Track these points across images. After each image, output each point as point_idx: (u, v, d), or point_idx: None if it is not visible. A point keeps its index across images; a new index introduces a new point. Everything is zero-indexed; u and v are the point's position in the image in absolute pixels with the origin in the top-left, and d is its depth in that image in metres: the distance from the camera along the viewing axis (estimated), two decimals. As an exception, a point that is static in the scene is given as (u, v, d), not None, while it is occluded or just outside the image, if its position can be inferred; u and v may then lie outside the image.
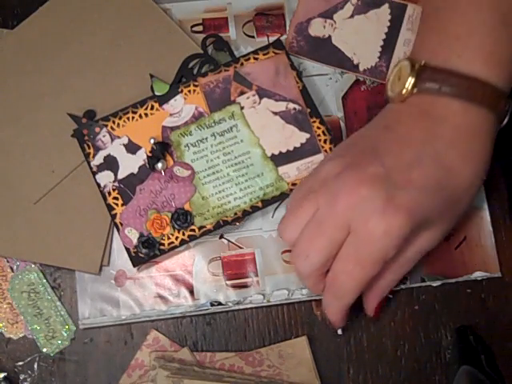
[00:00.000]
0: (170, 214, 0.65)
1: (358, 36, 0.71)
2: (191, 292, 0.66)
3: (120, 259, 0.66)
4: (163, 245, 0.65)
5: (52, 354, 0.65)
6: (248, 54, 0.69)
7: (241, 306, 0.66)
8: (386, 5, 0.72)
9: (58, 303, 0.66)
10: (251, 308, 0.67)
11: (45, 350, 0.65)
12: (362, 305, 0.62)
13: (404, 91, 0.58)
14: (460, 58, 0.58)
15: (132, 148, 0.66)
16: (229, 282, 0.66)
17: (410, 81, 0.58)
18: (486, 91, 0.57)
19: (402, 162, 0.56)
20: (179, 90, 0.67)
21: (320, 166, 0.60)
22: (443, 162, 0.56)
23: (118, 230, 0.65)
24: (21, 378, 0.65)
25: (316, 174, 0.59)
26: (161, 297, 0.66)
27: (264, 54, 0.69)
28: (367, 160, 0.56)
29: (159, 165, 0.65)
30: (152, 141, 0.65)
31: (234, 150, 0.66)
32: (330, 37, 0.71)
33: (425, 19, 0.63)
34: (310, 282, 0.60)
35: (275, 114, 0.67)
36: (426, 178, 0.56)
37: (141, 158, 0.66)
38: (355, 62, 0.71)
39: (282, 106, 0.68)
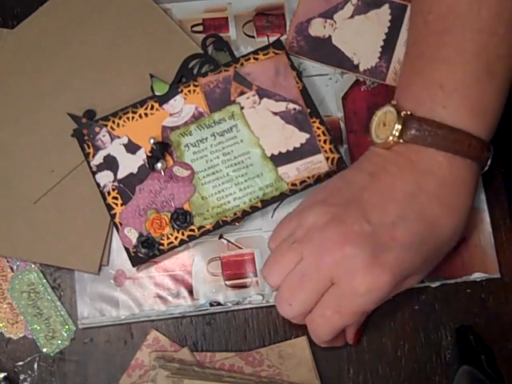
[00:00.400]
0: (169, 214, 0.65)
1: (358, 36, 0.71)
2: (190, 292, 0.66)
3: (119, 259, 0.66)
4: (162, 245, 0.65)
5: (52, 354, 0.65)
6: (248, 54, 0.69)
7: (240, 307, 0.66)
8: (387, 5, 0.72)
9: (58, 303, 0.66)
10: (251, 308, 0.67)
11: (45, 350, 0.65)
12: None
13: (390, 138, 0.58)
14: (445, 110, 0.57)
15: (132, 148, 0.66)
16: (228, 282, 0.66)
17: (397, 128, 0.57)
18: (472, 143, 0.57)
19: (386, 218, 0.56)
20: (179, 89, 0.67)
21: (305, 210, 0.59)
22: (427, 217, 0.57)
23: (118, 229, 0.65)
24: (21, 378, 0.65)
25: (301, 218, 0.59)
26: (160, 297, 0.66)
27: (264, 54, 0.69)
28: (352, 216, 0.56)
29: (159, 165, 0.65)
30: (152, 141, 0.65)
31: (233, 150, 0.66)
32: (330, 37, 0.71)
33: (408, 62, 0.62)
34: (294, 321, 0.60)
35: (275, 114, 0.67)
36: (411, 235, 0.56)
37: (140, 157, 0.66)
38: (355, 63, 0.71)
39: (281, 106, 0.68)
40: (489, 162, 0.59)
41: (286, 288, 0.58)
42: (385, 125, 0.59)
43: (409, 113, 0.58)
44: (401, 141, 0.57)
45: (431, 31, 0.59)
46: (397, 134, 0.57)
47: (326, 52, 0.71)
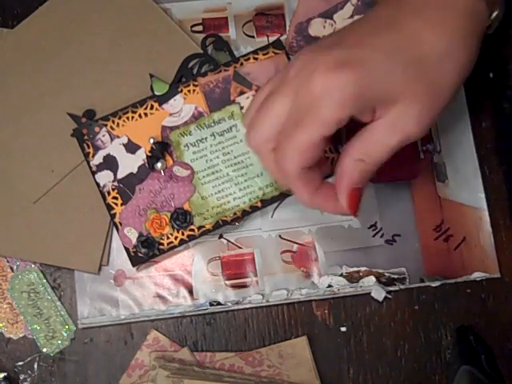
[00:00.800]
0: (169, 214, 0.65)
1: (358, 36, 0.71)
2: (190, 292, 0.66)
3: (119, 259, 0.66)
4: (162, 244, 0.65)
5: (52, 354, 0.65)
6: (248, 53, 0.69)
7: (240, 306, 0.66)
8: (386, 5, 0.71)
9: (58, 303, 0.66)
10: (251, 308, 0.67)
11: (45, 350, 0.65)
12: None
13: None
14: None
15: (131, 148, 0.66)
16: (228, 282, 0.66)
17: None
18: None
19: (357, 32, 0.53)
20: (179, 89, 0.67)
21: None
22: (403, 29, 0.52)
23: (118, 229, 0.65)
24: (21, 378, 0.65)
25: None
26: (160, 296, 0.66)
27: (264, 54, 0.69)
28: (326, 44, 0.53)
29: (159, 164, 0.65)
30: (151, 140, 0.65)
31: (233, 149, 0.66)
32: (323, 36, 0.71)
33: None
34: (261, 158, 0.56)
35: (275, 113, 0.67)
36: (381, 41, 0.51)
37: (140, 157, 0.66)
38: (355, 62, 0.71)
39: (281, 106, 0.68)
40: (493, 16, 0.55)
41: (253, 109, 0.56)
42: None
43: None
44: None
45: None
46: None
47: (326, 52, 0.71)
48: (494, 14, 0.55)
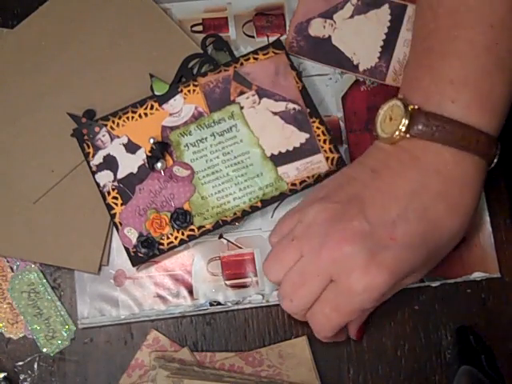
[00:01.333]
0: (169, 214, 0.65)
1: (358, 36, 0.71)
2: (190, 292, 0.66)
3: (119, 259, 0.66)
4: (162, 244, 0.65)
5: (52, 354, 0.65)
6: (248, 53, 0.69)
7: (240, 306, 0.66)
8: (386, 5, 0.72)
9: (58, 303, 0.66)
10: (251, 308, 0.66)
11: (45, 350, 0.65)
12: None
13: (397, 133, 0.57)
14: (454, 104, 0.56)
15: (131, 148, 0.66)
16: (228, 282, 0.66)
17: (404, 123, 0.56)
18: (480, 140, 0.56)
19: (386, 217, 0.56)
20: (179, 89, 0.68)
21: (306, 207, 0.59)
22: (429, 216, 0.56)
23: (118, 229, 0.65)
24: (21, 378, 0.65)
25: (301, 214, 0.59)
26: (160, 296, 0.66)
27: (264, 54, 0.69)
28: (352, 213, 0.56)
29: (159, 164, 0.65)
30: (151, 140, 0.66)
31: (233, 149, 0.66)
32: (329, 37, 0.71)
33: (416, 56, 0.61)
34: (296, 317, 0.61)
35: (275, 113, 0.67)
36: (411, 235, 0.56)
37: (140, 157, 0.66)
38: (355, 63, 0.71)
39: (281, 106, 0.68)
40: (495, 160, 0.59)
41: (287, 284, 0.58)
42: (391, 119, 0.58)
43: (416, 107, 0.57)
44: (407, 136, 0.57)
45: (441, 25, 0.59)
46: (403, 128, 0.56)
47: (326, 52, 0.71)
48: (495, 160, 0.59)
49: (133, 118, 0.67)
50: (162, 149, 0.66)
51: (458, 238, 0.59)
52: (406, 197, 0.56)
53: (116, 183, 0.66)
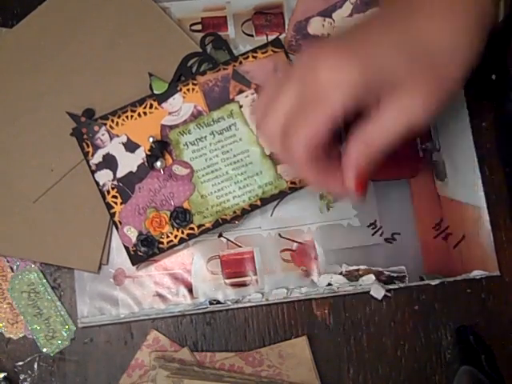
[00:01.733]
0: (168, 213, 0.65)
1: (358, 35, 0.71)
2: (190, 290, 0.66)
3: (119, 258, 0.66)
4: (162, 243, 0.65)
5: (52, 354, 0.65)
6: (247, 52, 0.69)
7: (239, 305, 0.66)
8: (386, 4, 0.71)
9: (58, 303, 0.66)
10: (251, 307, 0.66)
11: (45, 350, 0.65)
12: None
13: None
14: None
15: (131, 146, 0.66)
16: (228, 281, 0.66)
17: None
18: None
19: (363, 31, 0.53)
20: (178, 88, 0.68)
21: None
22: (409, 28, 0.52)
23: (117, 228, 0.65)
24: (21, 378, 0.65)
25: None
26: (160, 295, 0.66)
27: (263, 53, 0.69)
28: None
29: (158, 163, 0.65)
30: (151, 139, 0.66)
31: (232, 148, 0.66)
32: (328, 35, 0.71)
33: None
34: (273, 145, 0.56)
35: (274, 112, 0.67)
36: (387, 38, 0.51)
37: (140, 156, 0.66)
38: (354, 61, 0.71)
39: (281, 105, 0.68)
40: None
41: (263, 98, 0.56)
42: None
43: None
44: None
45: None
46: None
47: (326, 51, 0.71)
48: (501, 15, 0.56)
49: (132, 116, 0.67)
50: (161, 148, 0.66)
51: (455, 56, 0.52)
52: (387, 20, 0.53)
53: (115, 182, 0.66)
